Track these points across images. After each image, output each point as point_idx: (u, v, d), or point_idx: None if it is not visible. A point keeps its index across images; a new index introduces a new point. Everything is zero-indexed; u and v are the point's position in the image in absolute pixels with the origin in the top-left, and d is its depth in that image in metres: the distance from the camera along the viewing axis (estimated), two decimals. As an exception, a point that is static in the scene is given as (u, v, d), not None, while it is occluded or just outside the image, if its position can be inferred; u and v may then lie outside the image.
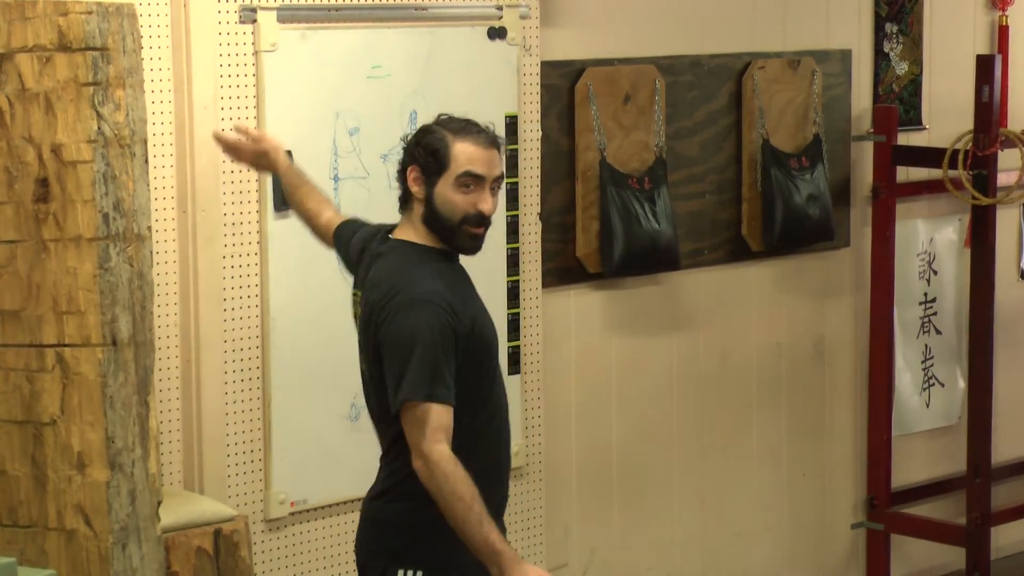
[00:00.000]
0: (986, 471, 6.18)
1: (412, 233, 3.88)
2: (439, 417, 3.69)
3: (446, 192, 3.79)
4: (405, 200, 3.90)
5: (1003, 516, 6.35)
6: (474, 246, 3.88)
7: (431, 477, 3.68)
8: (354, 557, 4.16)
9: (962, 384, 6.49)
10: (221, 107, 4.56)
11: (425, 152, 3.82)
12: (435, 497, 3.69)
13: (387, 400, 3.76)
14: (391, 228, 3.95)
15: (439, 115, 4.01)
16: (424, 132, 3.89)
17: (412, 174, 3.84)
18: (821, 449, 6.28)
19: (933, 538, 6.39)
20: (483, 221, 3.83)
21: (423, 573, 3.82)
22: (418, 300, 3.75)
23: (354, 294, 3.99)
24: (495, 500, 3.87)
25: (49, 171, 3.86)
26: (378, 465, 4.00)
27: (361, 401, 4.83)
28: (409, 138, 3.94)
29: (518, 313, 5.18)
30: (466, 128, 3.86)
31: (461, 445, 3.73)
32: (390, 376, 3.75)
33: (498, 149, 3.87)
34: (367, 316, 3.84)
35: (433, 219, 3.83)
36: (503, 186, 4.05)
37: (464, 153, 3.79)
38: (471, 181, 3.79)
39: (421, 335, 3.71)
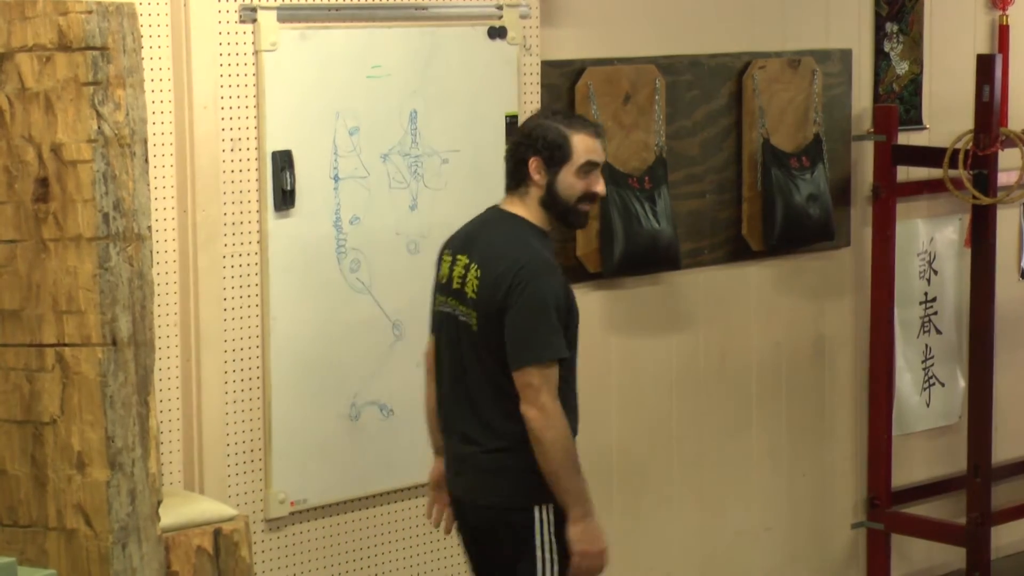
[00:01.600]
0: (986, 471, 6.19)
1: (523, 210, 4.34)
2: (551, 374, 4.20)
3: (568, 178, 4.28)
4: (517, 184, 4.35)
5: (1003, 516, 6.37)
6: (585, 221, 4.44)
7: (547, 427, 4.16)
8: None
9: (962, 384, 6.50)
10: (221, 106, 4.57)
11: (548, 145, 4.27)
12: (543, 444, 4.17)
13: (503, 357, 4.21)
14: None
15: (544, 108, 4.75)
16: (541, 128, 4.32)
17: (534, 164, 4.28)
18: (821, 449, 6.29)
19: (933, 538, 6.41)
20: (596, 199, 4.38)
21: (550, 509, 4.24)
22: (548, 270, 4.28)
23: (445, 256, 4.43)
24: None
25: (49, 171, 3.86)
26: (457, 432, 4.40)
27: (360, 400, 4.90)
28: (525, 130, 4.36)
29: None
30: (578, 122, 4.39)
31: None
32: (520, 335, 4.20)
33: (602, 138, 4.41)
34: (491, 281, 4.26)
35: (552, 201, 4.30)
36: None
37: (583, 144, 4.28)
38: (590, 168, 4.29)
39: (551, 301, 4.22)
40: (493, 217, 4.42)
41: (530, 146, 4.30)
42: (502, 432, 4.25)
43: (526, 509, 4.27)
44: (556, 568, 4.26)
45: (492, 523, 4.32)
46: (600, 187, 4.33)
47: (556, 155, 4.26)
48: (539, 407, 4.15)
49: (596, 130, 4.38)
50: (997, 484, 6.33)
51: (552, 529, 4.26)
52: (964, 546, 6.23)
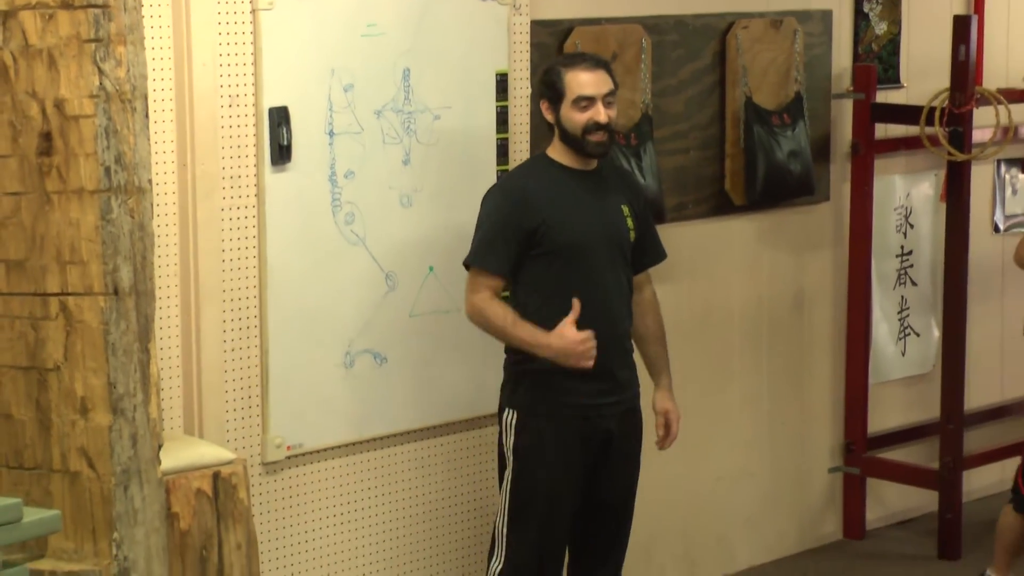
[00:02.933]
0: (959, 417, 6.23)
1: (553, 151, 4.63)
2: (477, 282, 4.55)
3: (568, 113, 4.50)
4: (550, 127, 4.61)
5: (974, 461, 6.41)
6: (600, 150, 4.56)
7: (476, 320, 4.58)
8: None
9: (936, 334, 6.52)
10: (219, 64, 4.55)
11: (547, 87, 4.56)
12: (484, 330, 4.59)
13: None
14: None
15: (559, 57, 5.00)
16: (545, 71, 4.63)
17: (543, 106, 4.58)
18: (800, 396, 6.32)
19: (907, 482, 6.45)
20: (601, 127, 4.50)
21: (518, 413, 4.57)
22: (497, 189, 4.72)
23: None
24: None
25: (52, 125, 3.85)
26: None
27: (355, 349, 4.93)
28: (539, 79, 4.67)
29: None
30: (574, 59, 4.66)
31: (539, 314, 4.51)
32: None
33: (604, 68, 4.56)
34: None
35: (565, 137, 4.54)
36: (615, 98, 4.58)
37: (575, 80, 4.49)
38: (585, 101, 4.47)
39: (485, 215, 4.59)
40: (531, 157, 4.93)
41: (539, 91, 4.62)
42: None
43: (500, 412, 4.63)
44: (511, 465, 4.57)
45: None
46: (599, 116, 4.47)
47: (555, 94, 4.51)
48: (467, 305, 4.59)
49: (591, 64, 4.55)
50: (969, 430, 6.37)
51: (513, 432, 4.57)
52: (936, 490, 6.28)
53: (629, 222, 4.63)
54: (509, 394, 4.59)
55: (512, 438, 4.55)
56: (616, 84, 4.58)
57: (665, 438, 4.82)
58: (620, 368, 4.63)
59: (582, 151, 4.52)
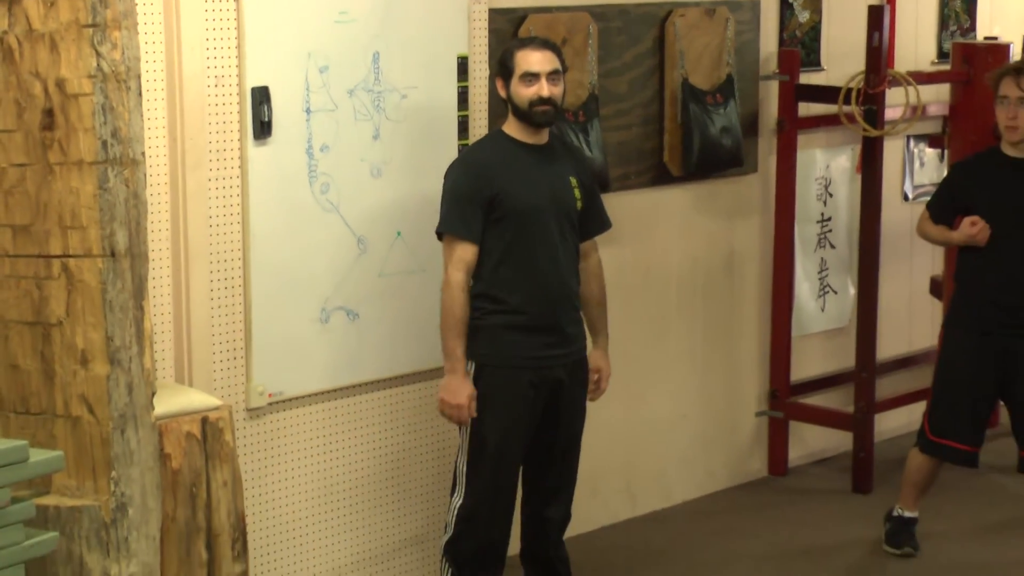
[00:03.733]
0: (871, 367, 6.28)
1: (508, 127, 4.64)
2: (454, 249, 4.53)
3: (516, 88, 4.54)
4: (505, 105, 4.64)
5: (885, 405, 6.46)
6: (544, 120, 4.57)
7: (443, 291, 4.55)
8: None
9: (852, 292, 6.56)
10: (206, 47, 4.54)
11: (501, 65, 4.60)
12: (441, 309, 4.55)
13: None
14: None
15: (514, 39, 4.99)
16: (501, 53, 4.67)
17: (498, 83, 4.62)
18: (730, 348, 6.35)
19: (825, 424, 6.51)
20: (545, 102, 4.52)
21: (476, 364, 4.59)
22: (458, 163, 4.70)
23: None
24: (539, 322, 4.59)
25: (54, 103, 3.83)
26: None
27: (330, 306, 4.92)
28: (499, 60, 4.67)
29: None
30: (525, 41, 4.70)
31: (497, 275, 4.56)
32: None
33: (551, 50, 4.60)
34: None
35: (516, 110, 4.57)
36: (560, 77, 4.58)
37: (524, 59, 4.53)
38: (531, 77, 4.51)
39: (449, 189, 4.59)
40: (488, 133, 4.92)
41: (496, 70, 4.66)
42: None
43: (467, 362, 4.60)
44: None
45: None
46: (542, 91, 4.50)
47: (506, 72, 4.55)
48: (446, 278, 4.55)
49: (538, 44, 4.59)
50: (880, 378, 6.42)
51: (471, 380, 4.59)
52: (851, 431, 6.33)
53: (576, 192, 4.65)
54: (468, 346, 4.58)
55: (471, 381, 4.58)
56: (564, 65, 4.61)
57: (595, 391, 4.84)
58: (568, 324, 4.65)
59: (530, 122, 4.54)
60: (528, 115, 4.53)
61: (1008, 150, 5.42)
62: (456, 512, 4.62)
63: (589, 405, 4.80)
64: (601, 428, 5.31)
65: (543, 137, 4.62)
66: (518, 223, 4.53)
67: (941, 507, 5.94)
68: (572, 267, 4.67)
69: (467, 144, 5.14)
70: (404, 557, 5.22)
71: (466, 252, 4.51)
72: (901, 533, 5.64)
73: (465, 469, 4.62)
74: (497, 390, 4.56)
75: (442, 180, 4.85)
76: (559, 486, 4.76)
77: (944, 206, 5.52)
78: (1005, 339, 5.39)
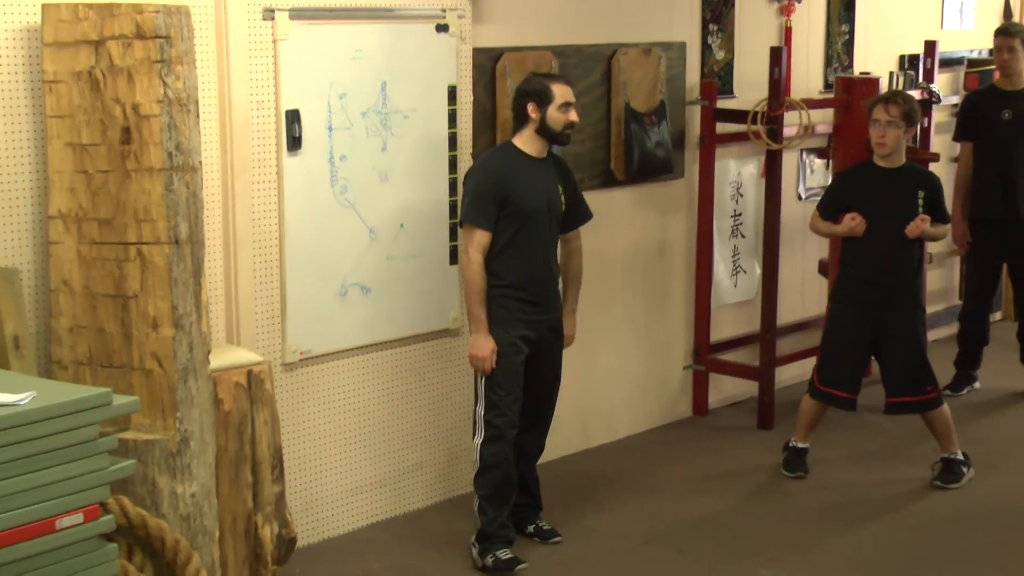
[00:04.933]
0: (773, 330, 6.31)
1: (521, 141, 4.61)
2: (474, 236, 4.51)
3: (554, 114, 4.55)
4: (520, 124, 4.60)
5: (783, 360, 6.49)
6: (569, 140, 4.67)
7: (463, 269, 4.58)
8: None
9: (758, 271, 6.57)
10: (250, 79, 4.54)
11: (537, 92, 4.54)
12: (463, 282, 4.61)
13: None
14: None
15: (530, 73, 4.89)
16: (532, 81, 4.60)
17: (531, 107, 4.55)
18: (663, 315, 6.35)
19: (737, 375, 6.53)
20: (572, 126, 4.60)
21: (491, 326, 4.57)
22: (479, 170, 4.64)
23: None
24: (529, 296, 4.61)
25: (131, 122, 3.85)
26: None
27: (348, 282, 4.93)
28: (522, 88, 4.62)
29: (456, 221, 5.18)
30: (556, 76, 4.76)
31: (500, 258, 4.54)
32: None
33: (571, 85, 4.63)
34: None
35: (545, 130, 4.56)
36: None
37: (560, 90, 4.56)
38: (567, 106, 4.55)
39: (472, 189, 4.56)
40: (500, 144, 4.83)
41: (526, 95, 4.55)
42: None
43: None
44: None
45: None
46: (573, 116, 4.56)
47: (544, 99, 4.51)
48: (465, 257, 4.54)
49: (566, 80, 4.63)
50: (780, 339, 6.45)
51: None
52: (757, 381, 6.36)
53: (562, 197, 4.68)
54: (487, 312, 4.59)
55: None
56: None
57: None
58: (550, 296, 4.70)
59: (558, 140, 4.60)
60: (559, 135, 4.57)
61: (879, 161, 5.46)
62: (480, 449, 4.65)
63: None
64: (564, 377, 5.33)
65: (545, 152, 4.63)
66: (521, 220, 4.54)
67: (827, 439, 5.96)
68: (554, 255, 4.71)
69: (455, 155, 5.14)
70: (407, 479, 5.23)
71: (484, 238, 4.51)
72: (795, 460, 5.68)
73: (483, 413, 4.62)
74: (502, 350, 4.58)
75: (436, 184, 4.88)
76: (537, 420, 4.81)
77: (830, 206, 5.56)
78: (877, 310, 5.43)
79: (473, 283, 4.52)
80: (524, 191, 4.54)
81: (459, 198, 4.91)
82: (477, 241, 4.51)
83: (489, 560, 4.61)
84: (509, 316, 4.57)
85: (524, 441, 4.77)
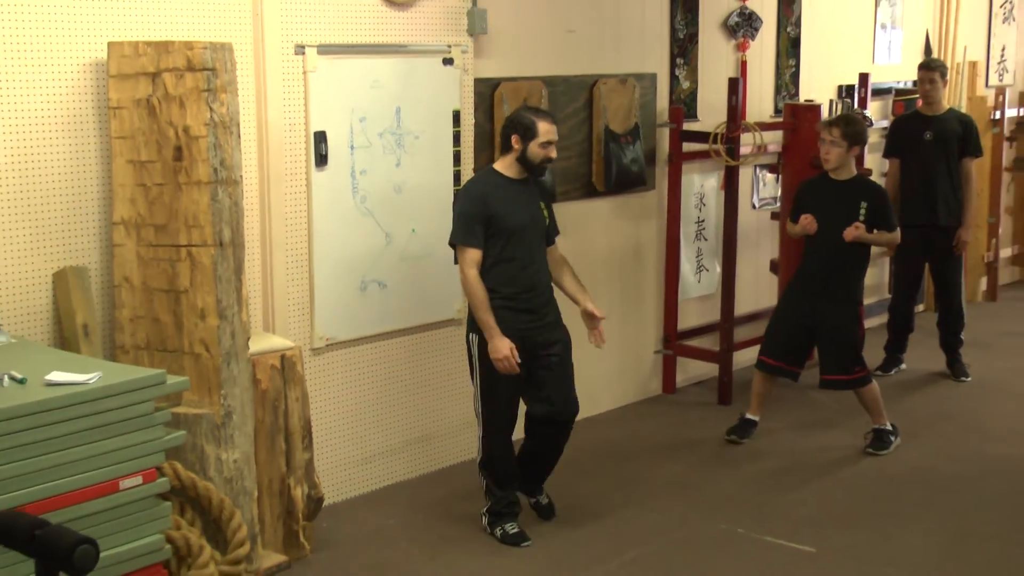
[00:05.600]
0: (731, 320, 6.31)
1: (502, 165, 4.38)
2: (466, 254, 4.28)
3: (534, 148, 4.30)
4: (504, 150, 4.37)
5: (739, 346, 6.48)
6: (543, 173, 4.48)
7: (464, 285, 4.32)
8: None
9: (718, 269, 6.57)
10: (283, 104, 4.54)
11: (523, 126, 4.30)
12: (465, 294, 4.35)
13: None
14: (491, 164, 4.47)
15: (523, 104, 4.77)
16: (522, 115, 4.34)
17: (514, 138, 4.31)
18: (637, 307, 6.36)
19: (700, 358, 6.51)
20: (549, 160, 4.36)
21: (479, 336, 4.34)
22: (467, 192, 4.37)
23: None
24: (523, 305, 4.36)
25: (182, 142, 3.87)
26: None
27: (367, 279, 4.91)
28: (512, 119, 4.36)
29: (460, 227, 5.21)
30: (544, 113, 4.41)
31: (492, 273, 4.30)
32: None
33: (556, 124, 4.36)
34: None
35: (525, 161, 4.32)
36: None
37: (544, 129, 4.31)
38: (547, 143, 4.31)
39: (459, 212, 4.32)
40: (484, 168, 4.52)
41: (513, 126, 4.32)
42: None
43: (468, 334, 4.44)
44: (478, 370, 4.41)
45: None
46: (552, 153, 4.33)
47: (528, 133, 4.28)
48: (463, 276, 4.29)
49: (553, 119, 4.36)
50: (737, 327, 6.45)
51: (477, 348, 4.38)
52: (717, 363, 6.36)
53: (544, 213, 4.47)
54: (473, 322, 4.37)
55: (477, 351, 4.38)
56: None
57: (597, 335, 4.55)
58: (541, 305, 4.43)
59: (534, 172, 4.35)
60: (535, 168, 4.34)
61: (832, 175, 5.50)
62: (481, 441, 4.50)
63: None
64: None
65: (524, 174, 4.39)
66: (507, 236, 4.31)
67: (776, 414, 5.98)
68: (544, 266, 4.46)
69: (459, 170, 5.14)
70: (414, 449, 5.23)
71: (475, 255, 4.27)
72: (739, 427, 5.68)
73: (480, 408, 4.44)
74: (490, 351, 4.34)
75: (442, 195, 4.88)
76: (556, 393, 4.51)
77: (794, 212, 5.57)
78: (816, 300, 5.46)
79: (475, 295, 4.27)
80: (506, 210, 4.30)
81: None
82: (469, 258, 4.26)
83: (498, 532, 4.48)
84: (504, 326, 4.30)
85: (551, 410, 4.48)
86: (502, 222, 4.29)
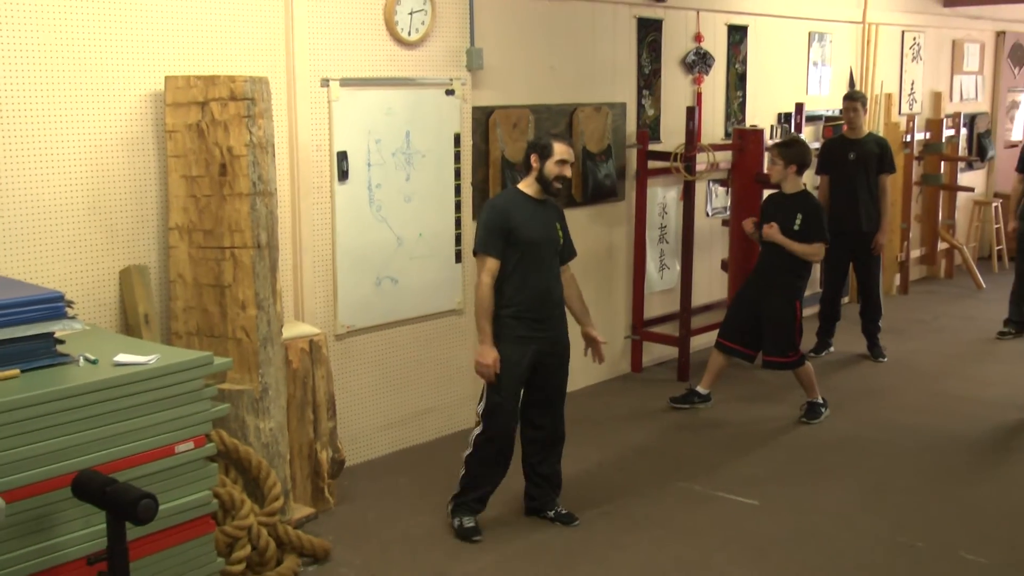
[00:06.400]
0: (689, 310, 6.32)
1: (525, 185, 4.07)
2: (485, 263, 3.98)
3: (550, 166, 4.01)
4: (527, 169, 4.08)
5: (696, 332, 6.48)
6: (559, 191, 4.07)
7: (477, 290, 4.00)
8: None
9: (678, 268, 6.58)
10: (311, 128, 4.54)
11: (541, 146, 4.03)
12: (476, 300, 4.00)
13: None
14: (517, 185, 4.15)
15: (543, 130, 4.58)
16: (540, 137, 4.09)
17: (533, 156, 4.04)
18: (610, 300, 6.35)
19: (663, 343, 6.49)
20: (564, 181, 4.05)
21: (501, 340, 4.00)
22: (490, 208, 4.04)
23: None
24: (532, 315, 4.04)
25: (226, 160, 3.88)
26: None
27: (382, 275, 4.90)
28: (532, 141, 4.09)
29: (460, 232, 5.19)
30: (560, 136, 4.09)
31: (508, 282, 4.00)
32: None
33: (572, 146, 4.07)
34: None
35: (543, 179, 4.03)
36: (574, 163, 4.15)
37: (559, 148, 4.02)
38: (562, 162, 4.02)
39: (483, 223, 4.01)
40: (508, 188, 4.20)
41: (533, 147, 4.05)
42: None
43: None
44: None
45: None
46: (567, 172, 4.02)
47: (545, 152, 4.00)
48: (479, 280, 3.99)
49: (569, 141, 4.06)
50: (693, 316, 6.45)
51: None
52: (677, 346, 6.36)
53: (559, 233, 4.15)
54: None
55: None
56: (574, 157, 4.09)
57: (597, 353, 4.26)
58: (550, 316, 4.10)
59: (548, 189, 4.02)
60: (549, 184, 4.01)
61: (781, 188, 5.52)
62: (475, 439, 4.12)
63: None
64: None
65: (543, 196, 4.08)
66: (523, 250, 4.00)
67: (726, 390, 5.98)
68: (556, 280, 4.12)
69: (459, 184, 5.13)
70: (421, 420, 5.22)
71: (493, 265, 3.97)
72: (684, 397, 5.70)
73: (483, 411, 4.07)
74: (504, 355, 4.03)
75: (446, 204, 4.84)
76: (548, 410, 4.23)
77: (760, 218, 5.59)
78: (758, 292, 5.49)
79: (481, 303, 3.95)
80: (525, 225, 4.00)
81: (473, 229, 4.36)
82: (488, 268, 3.96)
83: (456, 523, 4.13)
84: (514, 332, 4.01)
85: (540, 433, 4.19)
86: (520, 234, 3.98)
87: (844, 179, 6.64)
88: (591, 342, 4.23)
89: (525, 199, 4.07)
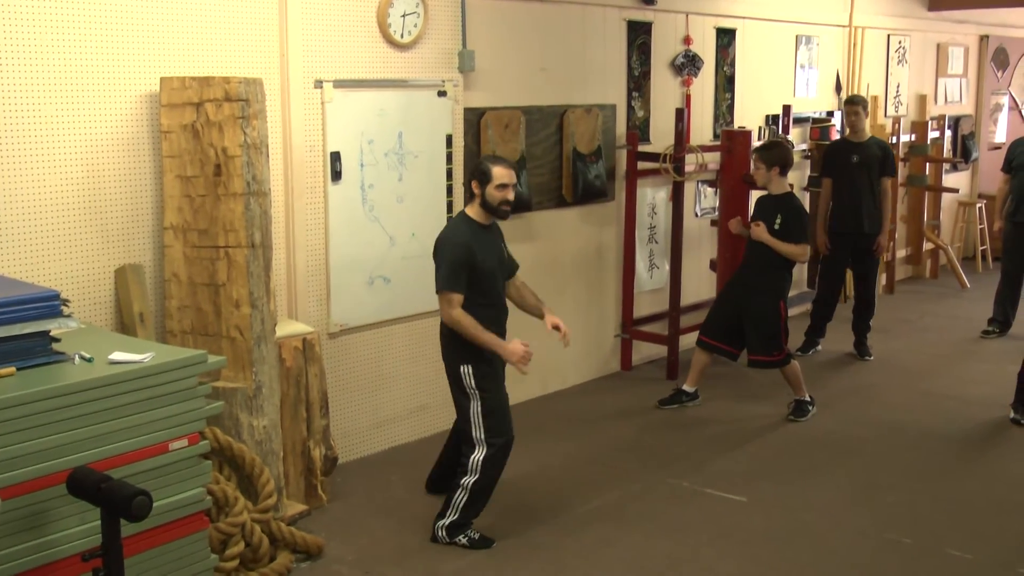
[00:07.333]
0: (677, 309, 6.33)
1: (471, 211, 3.98)
2: (453, 297, 3.88)
3: (491, 191, 3.93)
4: (470, 196, 4.01)
5: (684, 331, 6.47)
6: (506, 214, 3.98)
7: (453, 323, 3.88)
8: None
9: (667, 267, 6.59)
10: (305, 129, 4.54)
11: (480, 172, 3.95)
12: (459, 330, 3.88)
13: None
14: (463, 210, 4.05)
15: (484, 155, 4.32)
16: (480, 163, 4.00)
17: (474, 184, 3.96)
18: (600, 299, 6.36)
19: (652, 341, 6.50)
20: (510, 203, 3.96)
21: (471, 365, 3.94)
22: (449, 241, 3.91)
23: None
24: (491, 332, 3.92)
25: (221, 160, 3.87)
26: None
27: (374, 275, 4.90)
28: (471, 167, 4.00)
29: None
30: (499, 160, 3.99)
31: (469, 305, 3.89)
32: (436, 274, 3.92)
33: (514, 169, 3.98)
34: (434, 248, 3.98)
35: (486, 204, 3.94)
36: (515, 185, 4.03)
37: (499, 173, 3.93)
38: (503, 186, 3.92)
39: (447, 260, 3.88)
40: (457, 216, 4.10)
41: (473, 174, 3.98)
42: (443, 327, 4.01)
43: (457, 367, 3.98)
44: (478, 395, 3.96)
45: (448, 374, 4.05)
46: (510, 195, 3.94)
47: (484, 178, 3.93)
48: (445, 316, 3.89)
49: (510, 165, 3.98)
50: (682, 315, 6.46)
51: (472, 376, 3.96)
52: (666, 345, 6.37)
53: (506, 252, 4.14)
54: (460, 353, 3.95)
55: (473, 380, 3.95)
56: (517, 178, 3.97)
57: (564, 335, 4.17)
58: (502, 331, 4.06)
59: (496, 214, 3.96)
60: (496, 210, 3.95)
61: (767, 190, 5.54)
62: (481, 462, 3.99)
63: (532, 324, 4.44)
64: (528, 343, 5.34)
65: (490, 221, 4.03)
66: (482, 277, 3.94)
67: (713, 388, 6.01)
68: (504, 300, 4.12)
69: (451, 184, 5.13)
70: (414, 418, 5.23)
71: (459, 299, 3.88)
72: (671, 397, 5.73)
73: (483, 433, 3.97)
74: (487, 375, 3.97)
75: (437, 204, 4.83)
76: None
77: (752, 218, 5.62)
78: (742, 292, 5.51)
79: (467, 325, 3.87)
80: (484, 255, 3.95)
81: (434, 267, 4.05)
82: (455, 302, 3.88)
83: (464, 540, 4.02)
84: (483, 352, 3.94)
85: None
86: (481, 266, 3.92)
87: (847, 182, 6.66)
88: (557, 327, 4.13)
89: (477, 228, 3.97)
